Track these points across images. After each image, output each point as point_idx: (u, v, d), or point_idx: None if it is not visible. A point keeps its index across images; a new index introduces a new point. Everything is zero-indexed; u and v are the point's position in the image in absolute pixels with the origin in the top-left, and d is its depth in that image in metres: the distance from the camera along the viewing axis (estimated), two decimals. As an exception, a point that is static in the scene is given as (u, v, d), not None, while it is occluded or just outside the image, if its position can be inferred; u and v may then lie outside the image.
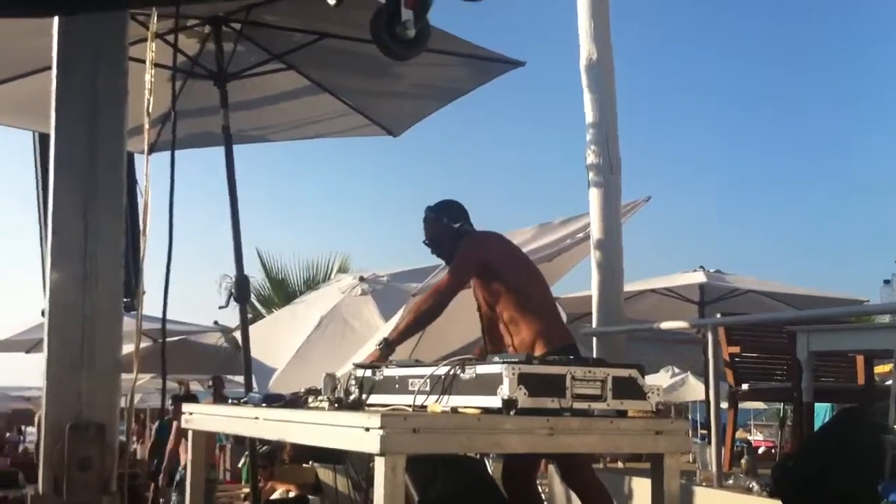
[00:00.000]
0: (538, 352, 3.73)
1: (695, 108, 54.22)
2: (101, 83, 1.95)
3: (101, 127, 1.96)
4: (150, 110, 2.74)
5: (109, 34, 2.00)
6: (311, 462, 8.05)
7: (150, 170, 2.57)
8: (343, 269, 15.68)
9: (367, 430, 2.23)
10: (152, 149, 5.06)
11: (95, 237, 1.84)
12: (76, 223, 1.85)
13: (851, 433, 3.15)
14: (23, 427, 18.75)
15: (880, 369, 6.12)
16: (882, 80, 51.13)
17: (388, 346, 3.75)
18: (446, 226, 4.14)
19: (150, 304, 3.05)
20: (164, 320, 2.85)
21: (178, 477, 7.52)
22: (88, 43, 1.97)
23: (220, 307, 4.80)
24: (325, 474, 7.43)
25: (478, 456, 6.09)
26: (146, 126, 2.67)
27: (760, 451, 11.54)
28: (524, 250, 6.20)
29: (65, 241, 1.82)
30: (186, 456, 7.13)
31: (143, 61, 3.86)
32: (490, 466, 6.53)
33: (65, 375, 1.66)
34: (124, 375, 1.89)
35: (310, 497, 7.16)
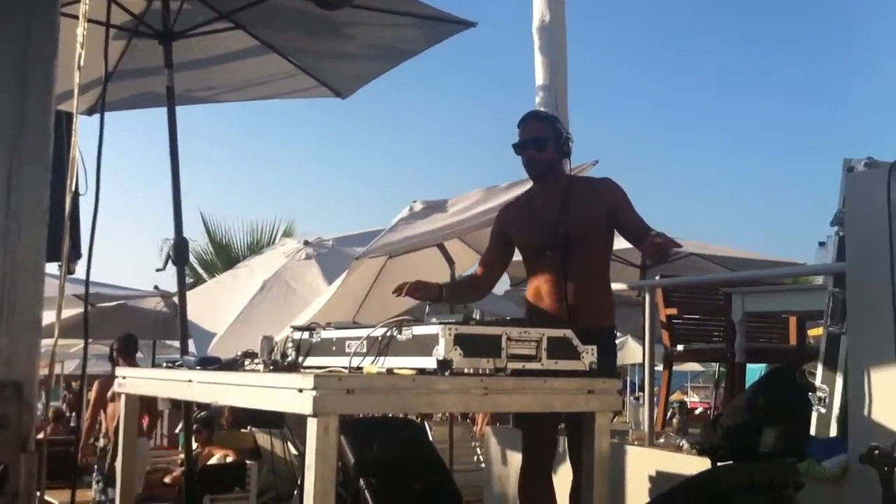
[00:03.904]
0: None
1: (645, 67, 54.45)
2: (33, 38, 1.88)
3: (30, 83, 1.89)
4: (82, 65, 2.68)
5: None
6: (249, 427, 8.04)
7: (78, 126, 2.53)
8: (288, 234, 15.59)
9: (301, 391, 2.22)
10: (93, 109, 4.95)
11: (19, 193, 1.78)
12: (-1, 179, 1.79)
13: (779, 391, 3.23)
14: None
15: (815, 332, 6.28)
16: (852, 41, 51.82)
17: None
18: (557, 130, 3.64)
19: (92, 269, 2.98)
20: (87, 282, 2.81)
21: (102, 444, 7.33)
22: (20, -1, 1.90)
23: (157, 270, 4.72)
24: (263, 439, 7.42)
25: (418, 419, 6.14)
26: (76, 81, 2.62)
27: (697, 412, 11.81)
28: (470, 214, 6.19)
29: (-14, 196, 1.76)
30: (110, 422, 6.99)
31: (96, 20, 3.74)
32: (431, 431, 6.58)
33: (-18, 334, 1.62)
34: (48, 341, 1.84)
35: (248, 462, 7.14)
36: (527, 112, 3.76)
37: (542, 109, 3.76)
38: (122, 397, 3.44)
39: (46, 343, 2.07)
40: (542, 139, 3.60)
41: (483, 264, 3.90)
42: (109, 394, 7.07)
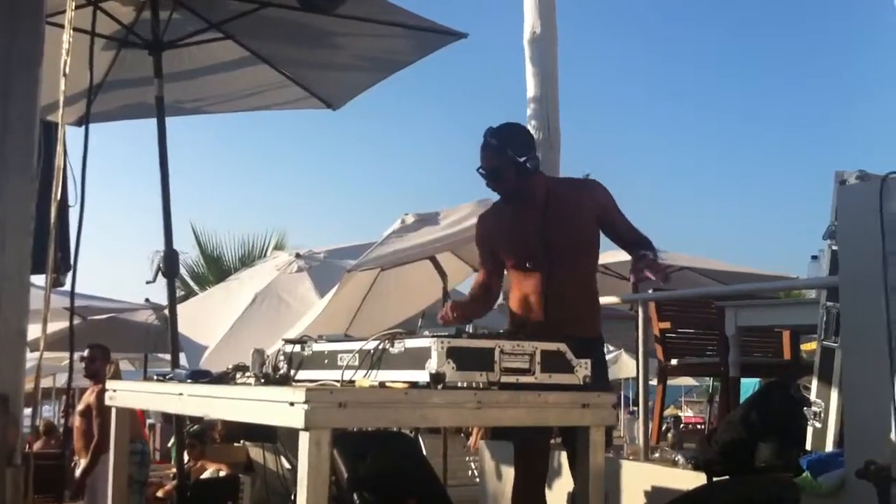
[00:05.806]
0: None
1: (643, 80, 54.46)
2: (17, 47, 1.86)
3: (14, 91, 1.87)
4: (67, 72, 2.66)
5: (27, -2, 1.91)
6: (242, 441, 7.97)
7: (65, 135, 2.51)
8: (279, 247, 15.52)
9: (292, 404, 2.20)
10: (83, 120, 4.93)
11: (3, 202, 1.75)
12: (-17, 189, 1.76)
13: (774, 406, 3.21)
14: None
15: (808, 346, 6.26)
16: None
17: None
18: (511, 158, 3.41)
19: (81, 282, 2.95)
20: (72, 294, 2.78)
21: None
22: (4, 6, 1.88)
23: (148, 282, 4.69)
24: (256, 453, 7.36)
25: (411, 433, 6.09)
26: (62, 89, 2.59)
27: (690, 426, 11.77)
28: (462, 226, 6.17)
29: (-29, 207, 1.73)
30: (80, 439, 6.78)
31: (82, 29, 3.72)
32: (423, 444, 6.53)
33: (-33, 346, 1.59)
34: (36, 354, 1.81)
35: (241, 476, 7.07)
36: (483, 135, 3.48)
37: (495, 135, 3.46)
38: (113, 410, 3.39)
39: (34, 357, 2.04)
40: (495, 170, 3.43)
41: (488, 273, 3.66)
42: (80, 408, 6.57)
